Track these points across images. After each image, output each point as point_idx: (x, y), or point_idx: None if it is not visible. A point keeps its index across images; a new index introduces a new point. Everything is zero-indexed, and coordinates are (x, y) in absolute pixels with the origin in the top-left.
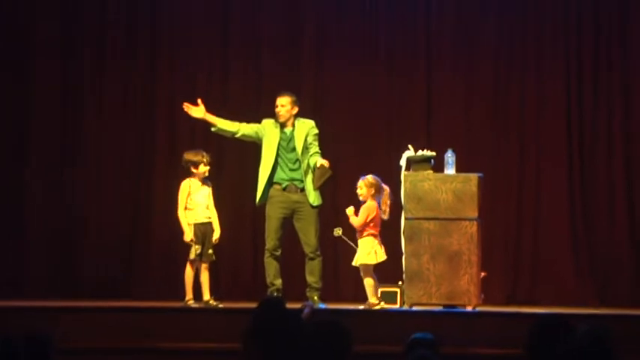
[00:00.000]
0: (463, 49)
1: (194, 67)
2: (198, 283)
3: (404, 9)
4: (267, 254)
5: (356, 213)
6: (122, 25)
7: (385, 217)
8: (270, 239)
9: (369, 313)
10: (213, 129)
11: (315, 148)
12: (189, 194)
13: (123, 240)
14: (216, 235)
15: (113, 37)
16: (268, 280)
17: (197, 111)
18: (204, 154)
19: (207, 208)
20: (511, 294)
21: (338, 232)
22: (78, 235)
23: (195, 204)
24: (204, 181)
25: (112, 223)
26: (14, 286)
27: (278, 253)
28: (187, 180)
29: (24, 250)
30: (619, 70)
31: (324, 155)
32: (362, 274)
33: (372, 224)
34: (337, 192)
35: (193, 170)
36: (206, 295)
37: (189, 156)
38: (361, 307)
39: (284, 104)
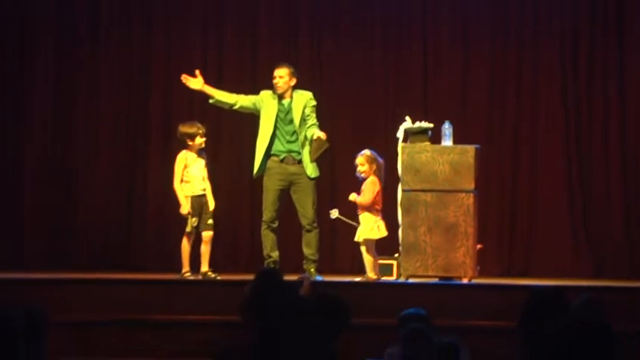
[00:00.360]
0: (460, 21)
1: (190, 39)
2: (195, 255)
3: None
4: (264, 226)
5: (356, 192)
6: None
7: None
8: (268, 211)
9: (366, 285)
10: (211, 101)
11: (312, 119)
12: (185, 167)
13: (119, 213)
14: (211, 206)
15: (108, 9)
16: (265, 253)
17: (195, 82)
18: (200, 125)
19: (203, 179)
20: (507, 266)
21: (334, 214)
22: (74, 207)
23: (192, 176)
24: (200, 152)
25: (108, 196)
26: (11, 259)
27: (275, 225)
28: (183, 152)
29: (21, 224)
30: (615, 36)
31: (321, 128)
32: (364, 249)
33: (377, 199)
34: (335, 165)
35: (189, 143)
36: (204, 267)
37: (184, 128)
38: (358, 279)
39: (282, 75)
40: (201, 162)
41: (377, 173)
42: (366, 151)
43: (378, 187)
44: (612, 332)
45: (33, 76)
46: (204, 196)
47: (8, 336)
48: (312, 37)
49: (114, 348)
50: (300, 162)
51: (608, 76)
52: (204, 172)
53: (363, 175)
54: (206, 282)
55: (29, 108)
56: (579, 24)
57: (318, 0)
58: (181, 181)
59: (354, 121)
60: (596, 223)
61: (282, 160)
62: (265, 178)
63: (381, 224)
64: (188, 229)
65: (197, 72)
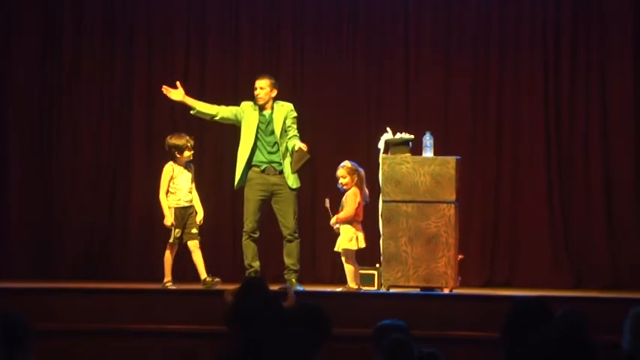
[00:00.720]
0: (442, 32)
1: (172, 50)
2: (185, 266)
3: None
4: (245, 236)
5: (335, 204)
6: (100, 7)
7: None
8: (249, 221)
9: (347, 295)
10: (192, 112)
11: (293, 131)
12: (172, 178)
13: (101, 222)
14: (199, 216)
15: (91, 19)
16: (246, 263)
17: (176, 94)
18: (188, 138)
19: (190, 191)
20: (488, 277)
21: (327, 203)
22: (57, 217)
23: (178, 188)
24: (187, 164)
25: (91, 205)
26: None
27: (256, 235)
28: (170, 164)
29: (4, 234)
30: (596, 48)
31: (302, 139)
32: (344, 259)
33: (358, 210)
34: (316, 175)
35: (177, 155)
36: (202, 274)
37: (173, 140)
38: (339, 289)
39: (263, 87)
40: (188, 174)
41: (358, 184)
42: (347, 163)
43: (359, 199)
44: (594, 344)
45: (16, 87)
46: (189, 207)
47: None
48: (294, 48)
49: (95, 358)
50: (281, 172)
51: (590, 87)
52: (192, 184)
53: (345, 187)
54: (186, 292)
55: (13, 119)
56: (561, 34)
57: (300, 11)
58: (167, 192)
59: (336, 132)
60: (577, 233)
61: (263, 171)
62: (246, 189)
63: (360, 235)
64: (171, 240)
65: (178, 83)
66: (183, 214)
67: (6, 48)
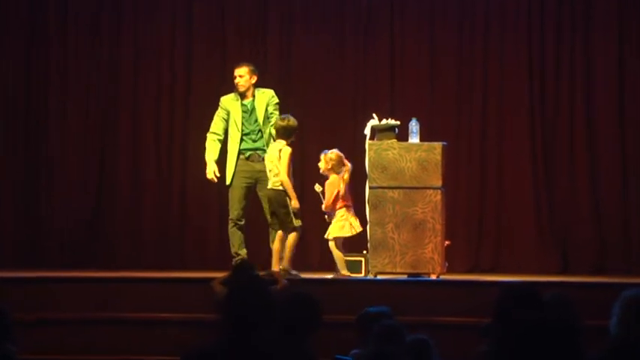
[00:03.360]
0: (426, 18)
1: (159, 36)
2: (166, 250)
3: None
4: (231, 224)
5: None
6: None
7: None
8: (234, 209)
9: (334, 282)
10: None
11: (275, 117)
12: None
13: (89, 210)
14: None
15: (77, 7)
16: (233, 250)
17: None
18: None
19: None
20: (475, 262)
21: (318, 188)
22: (44, 205)
23: (290, 173)
24: None
25: (78, 192)
26: None
27: (242, 222)
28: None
29: None
30: (581, 30)
31: None
32: (332, 246)
33: (341, 198)
34: (303, 162)
35: (293, 139)
36: (275, 265)
37: (292, 122)
38: (330, 276)
39: (242, 74)
40: None
41: (337, 172)
42: (329, 152)
43: (337, 188)
44: (581, 329)
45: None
46: None
47: None
48: (280, 36)
49: (83, 346)
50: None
51: (575, 70)
52: None
53: (321, 172)
54: (176, 279)
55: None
56: (545, 16)
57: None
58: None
59: (322, 119)
60: (563, 218)
61: (247, 158)
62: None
63: (354, 221)
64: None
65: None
66: None
67: None
